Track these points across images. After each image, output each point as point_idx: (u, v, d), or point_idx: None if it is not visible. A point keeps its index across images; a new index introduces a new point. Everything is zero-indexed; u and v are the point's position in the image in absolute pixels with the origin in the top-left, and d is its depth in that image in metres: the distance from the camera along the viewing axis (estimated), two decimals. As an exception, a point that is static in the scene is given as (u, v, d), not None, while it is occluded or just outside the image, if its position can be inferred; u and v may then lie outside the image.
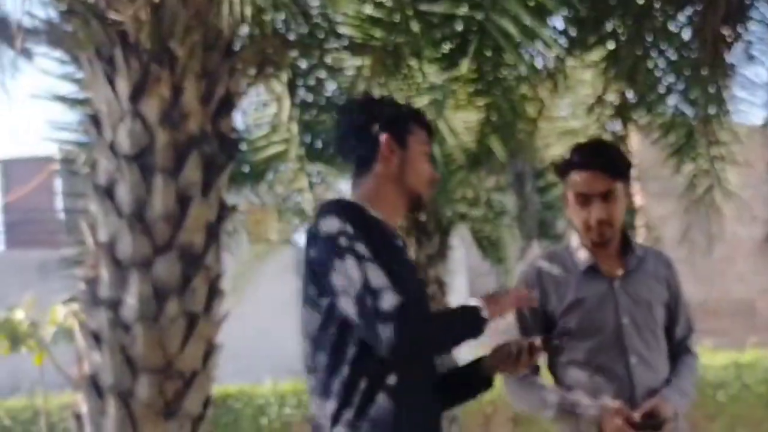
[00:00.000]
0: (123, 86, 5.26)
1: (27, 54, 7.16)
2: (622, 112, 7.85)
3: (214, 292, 5.42)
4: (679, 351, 4.09)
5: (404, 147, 3.50)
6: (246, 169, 9.56)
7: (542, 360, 3.80)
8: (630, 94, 7.73)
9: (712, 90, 7.24)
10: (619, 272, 4.00)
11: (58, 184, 21.15)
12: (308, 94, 7.21)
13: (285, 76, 6.56)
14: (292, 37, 5.93)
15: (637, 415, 3.80)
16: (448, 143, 8.25)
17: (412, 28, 5.98)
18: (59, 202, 22.20)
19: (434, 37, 6.11)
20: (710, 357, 16.76)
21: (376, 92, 6.45)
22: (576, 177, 3.96)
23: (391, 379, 3.29)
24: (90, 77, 5.44)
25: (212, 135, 5.38)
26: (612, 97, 7.78)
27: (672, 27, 6.99)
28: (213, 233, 5.40)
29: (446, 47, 6.19)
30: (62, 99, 6.75)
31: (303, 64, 6.80)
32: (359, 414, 3.27)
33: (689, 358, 4.12)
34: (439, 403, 3.50)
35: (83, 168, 6.78)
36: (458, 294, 13.16)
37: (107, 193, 5.29)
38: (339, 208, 3.41)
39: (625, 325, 3.93)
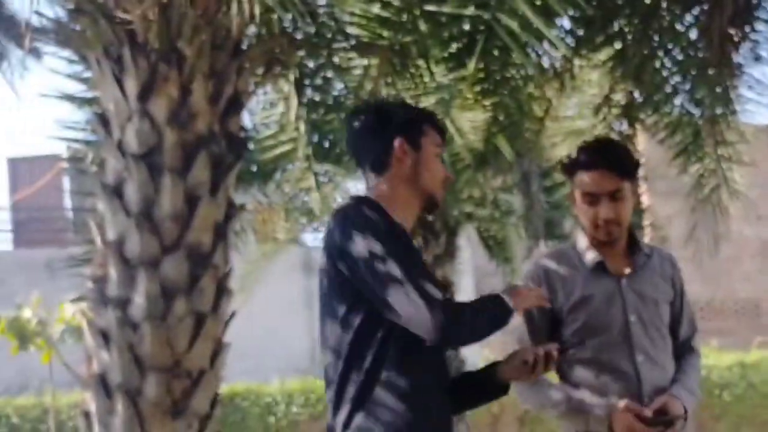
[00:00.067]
0: (131, 85, 5.27)
1: (35, 53, 7.20)
2: (629, 111, 7.85)
3: (221, 292, 5.44)
4: (683, 351, 4.10)
5: (418, 149, 3.51)
6: (254, 168, 9.59)
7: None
8: (637, 94, 7.74)
9: (718, 90, 7.24)
10: (627, 270, 4.00)
11: (66, 183, 21.18)
12: (316, 93, 7.22)
13: (292, 76, 6.57)
14: (299, 36, 5.94)
15: (648, 412, 3.81)
16: (455, 143, 8.26)
17: (419, 27, 5.98)
18: (67, 201, 22.24)
19: (441, 36, 6.12)
20: (716, 357, 16.77)
21: (384, 92, 6.46)
22: (584, 176, 3.96)
23: (404, 383, 3.31)
24: (98, 76, 5.45)
25: (220, 134, 5.39)
26: (619, 97, 7.78)
27: (679, 27, 6.99)
28: (221, 232, 5.41)
29: (453, 47, 6.21)
30: (70, 98, 6.77)
31: (310, 64, 6.81)
32: (370, 417, 3.29)
33: (693, 357, 4.12)
34: (450, 406, 3.52)
35: (91, 167, 6.80)
36: (465, 294, 13.18)
37: (115, 192, 5.30)
38: (364, 204, 3.41)
39: (633, 322, 3.93)
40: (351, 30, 6.27)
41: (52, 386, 13.82)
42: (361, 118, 3.61)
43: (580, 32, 6.87)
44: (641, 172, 4.22)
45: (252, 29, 5.58)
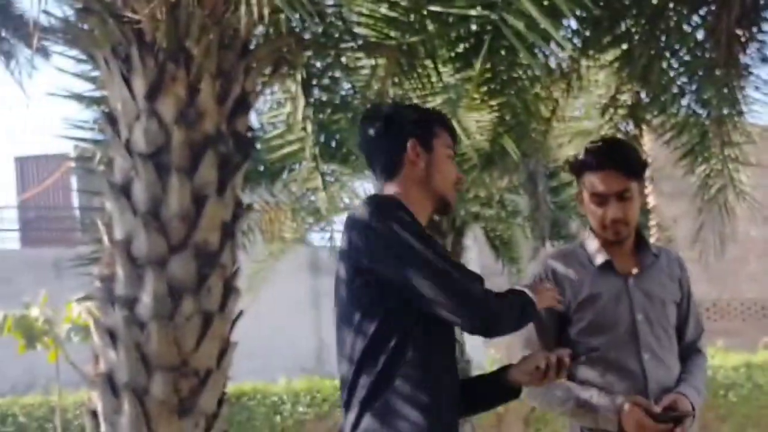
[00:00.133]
0: (139, 85, 5.28)
1: (44, 52, 7.21)
2: (636, 112, 7.85)
3: (229, 291, 5.44)
4: (689, 352, 4.10)
5: (430, 150, 3.51)
6: (261, 168, 9.61)
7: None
8: (643, 95, 7.74)
9: (725, 90, 7.24)
10: (634, 270, 4.01)
11: (74, 182, 21.23)
12: (323, 93, 7.22)
13: (300, 76, 6.57)
14: (307, 36, 5.94)
15: (657, 408, 3.82)
16: (461, 143, 8.26)
17: (426, 27, 5.99)
18: (75, 201, 22.28)
19: (449, 37, 6.12)
20: (722, 357, 16.75)
21: (391, 92, 6.47)
22: (592, 177, 3.97)
23: (417, 391, 3.31)
24: (106, 76, 5.46)
25: (228, 134, 5.40)
26: (625, 98, 7.78)
27: (686, 27, 6.99)
28: (228, 232, 5.42)
29: (460, 47, 6.21)
30: (78, 97, 6.78)
31: (318, 64, 6.82)
32: (379, 420, 3.30)
33: (699, 358, 4.13)
34: (462, 408, 3.52)
35: (99, 166, 6.82)
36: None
37: (123, 191, 5.31)
38: (391, 203, 3.40)
39: (640, 321, 3.94)
40: (359, 30, 6.28)
41: (59, 385, 13.83)
42: (374, 122, 3.61)
43: (587, 33, 6.87)
44: (648, 172, 4.23)
45: (260, 29, 5.58)
